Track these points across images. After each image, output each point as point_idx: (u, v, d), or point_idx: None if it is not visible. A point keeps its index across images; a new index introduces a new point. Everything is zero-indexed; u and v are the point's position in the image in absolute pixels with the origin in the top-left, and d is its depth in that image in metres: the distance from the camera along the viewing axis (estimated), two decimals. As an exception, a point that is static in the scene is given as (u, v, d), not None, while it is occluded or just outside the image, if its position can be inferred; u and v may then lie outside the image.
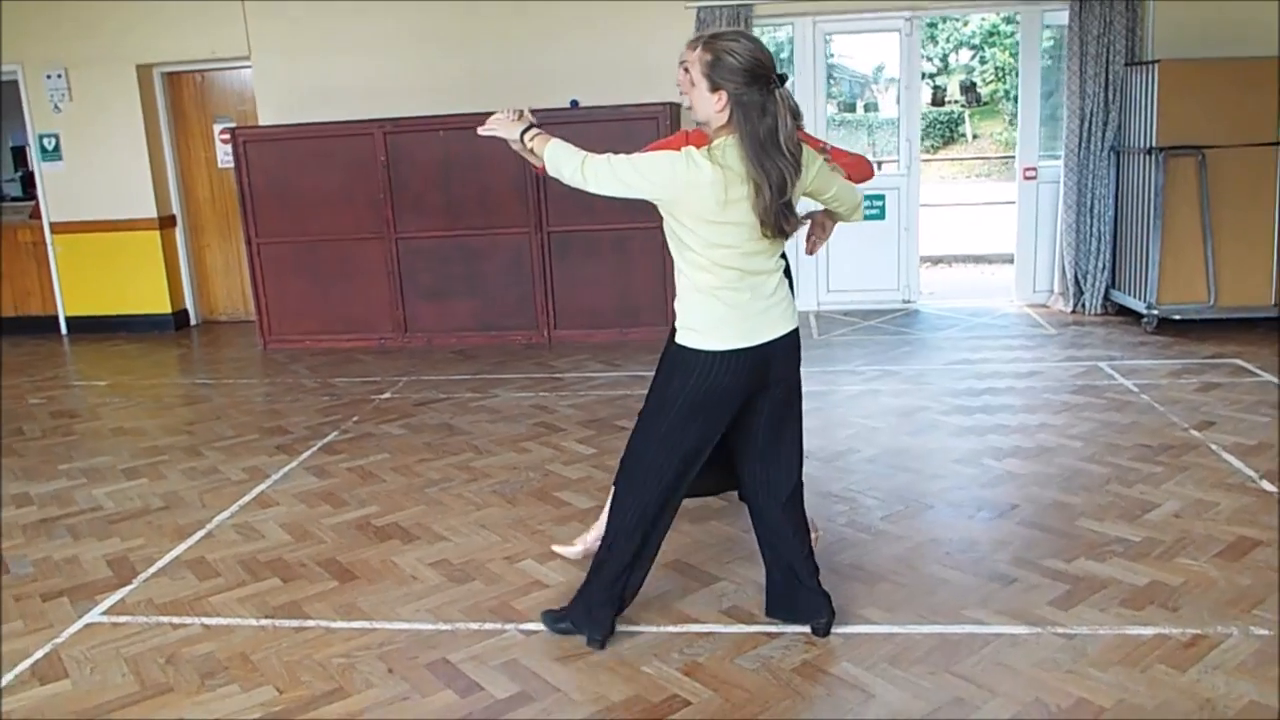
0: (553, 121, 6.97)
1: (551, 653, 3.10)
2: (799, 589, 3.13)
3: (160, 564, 3.93)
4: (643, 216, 6.99)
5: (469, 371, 6.62)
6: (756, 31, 7.38)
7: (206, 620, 3.44)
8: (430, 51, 7.65)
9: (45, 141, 8.40)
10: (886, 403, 5.48)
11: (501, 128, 3.00)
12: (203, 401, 6.35)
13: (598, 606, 3.09)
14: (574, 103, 7.37)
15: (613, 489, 3.32)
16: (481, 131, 3.07)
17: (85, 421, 6.02)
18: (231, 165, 8.29)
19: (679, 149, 2.78)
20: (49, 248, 8.60)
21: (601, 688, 2.90)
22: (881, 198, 7.73)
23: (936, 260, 10.23)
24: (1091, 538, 3.66)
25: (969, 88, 28.20)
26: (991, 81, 26.36)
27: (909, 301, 7.89)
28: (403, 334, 7.42)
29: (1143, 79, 6.67)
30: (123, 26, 8.05)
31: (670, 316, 2.96)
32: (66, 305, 8.72)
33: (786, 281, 2.99)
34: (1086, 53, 6.96)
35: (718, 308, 2.82)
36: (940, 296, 8.36)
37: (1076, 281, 7.28)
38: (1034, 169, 7.54)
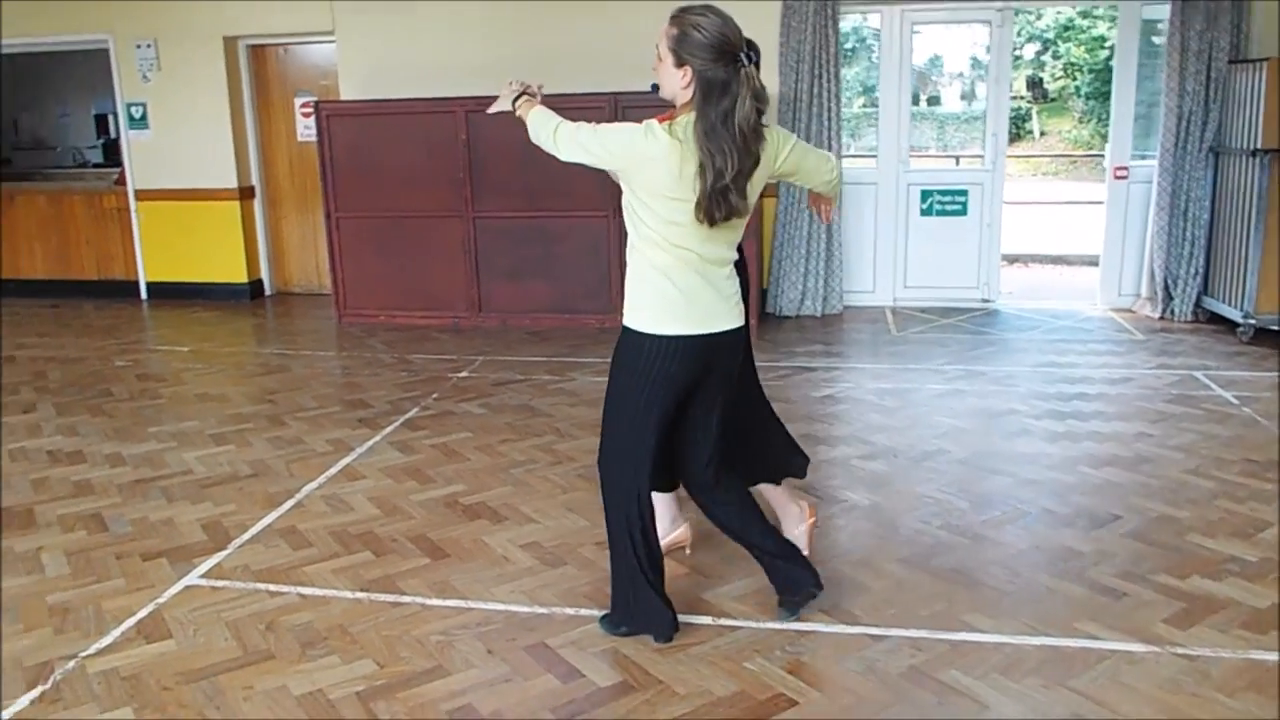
0: (634, 105, 6.97)
1: (651, 643, 3.07)
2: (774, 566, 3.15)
3: (253, 531, 3.96)
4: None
5: (545, 354, 6.60)
6: (844, 20, 7.27)
7: (303, 590, 3.46)
8: (512, 30, 7.61)
9: (133, 110, 8.50)
10: (973, 404, 5.38)
11: (500, 103, 3.10)
12: (282, 371, 6.40)
13: (639, 602, 3.02)
14: (654, 87, 7.28)
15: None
16: (489, 111, 3.20)
17: (170, 386, 6.10)
18: (311, 139, 8.38)
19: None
20: (133, 214, 8.72)
21: (704, 681, 2.87)
22: (964, 193, 7.60)
23: (1012, 259, 10.04)
24: (1204, 555, 3.56)
25: (1036, 83, 27.69)
26: (1060, 78, 25.84)
27: (988, 301, 7.75)
28: (477, 313, 7.43)
29: (1248, 78, 6.47)
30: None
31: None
32: (147, 271, 8.84)
33: (737, 277, 2.93)
34: (1188, 49, 6.76)
35: (669, 290, 2.77)
36: (1019, 296, 8.21)
37: (1166, 286, 7.10)
38: (1125, 168, 7.36)
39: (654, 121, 2.71)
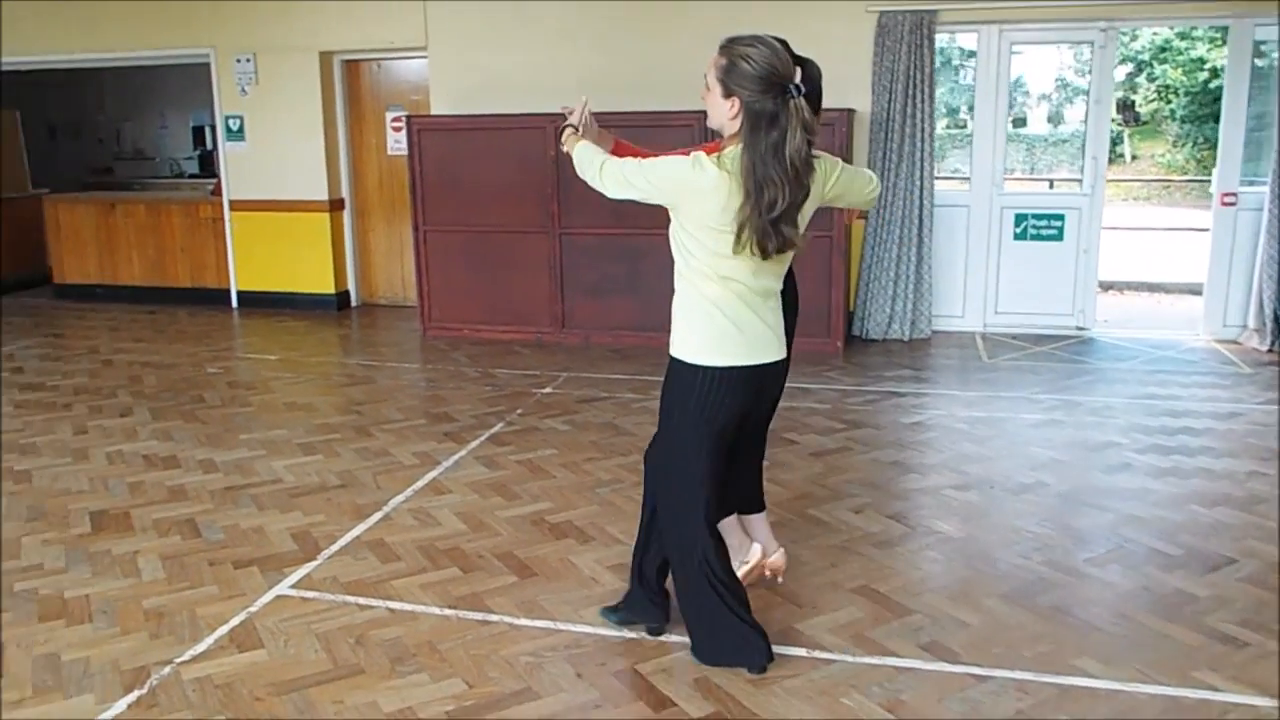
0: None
1: (743, 673, 2.99)
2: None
3: (342, 542, 3.98)
4: (813, 225, 6.86)
5: (628, 371, 6.57)
6: (938, 38, 7.15)
7: (391, 604, 3.45)
8: (603, 48, 7.63)
9: (230, 122, 8.71)
10: (1071, 435, 5.20)
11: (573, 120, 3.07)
12: (368, 383, 6.46)
13: (728, 632, 2.97)
14: (747, 105, 7.24)
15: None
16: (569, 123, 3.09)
17: (259, 394, 6.19)
18: (400, 153, 8.50)
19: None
20: (227, 224, 8.92)
21: (799, 716, 2.79)
22: (1061, 217, 7.40)
23: (1106, 286, 9.75)
24: (1329, 603, 3.37)
25: (1128, 106, 27.01)
26: (1153, 100, 25.17)
27: (1083, 329, 7.52)
28: (560, 329, 7.43)
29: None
30: (310, 14, 8.30)
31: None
32: (238, 280, 9.03)
33: (781, 309, 2.92)
34: (1302, 74, 6.51)
35: (720, 321, 2.76)
36: (1115, 325, 7.96)
37: (1276, 318, 6.81)
38: (1234, 194, 7.09)
39: (701, 153, 2.68)
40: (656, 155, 2.98)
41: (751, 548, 3.42)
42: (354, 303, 9.05)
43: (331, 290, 8.79)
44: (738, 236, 2.64)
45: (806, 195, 2.70)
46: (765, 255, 2.67)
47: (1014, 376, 6.39)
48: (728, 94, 2.66)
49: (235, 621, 3.35)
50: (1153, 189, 22.62)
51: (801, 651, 3.11)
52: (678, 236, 2.81)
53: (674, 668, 3.03)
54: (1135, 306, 9.23)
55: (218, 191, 9.05)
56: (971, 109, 7.85)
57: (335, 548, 3.93)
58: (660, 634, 3.19)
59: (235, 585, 3.62)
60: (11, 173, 10.24)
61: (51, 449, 5.19)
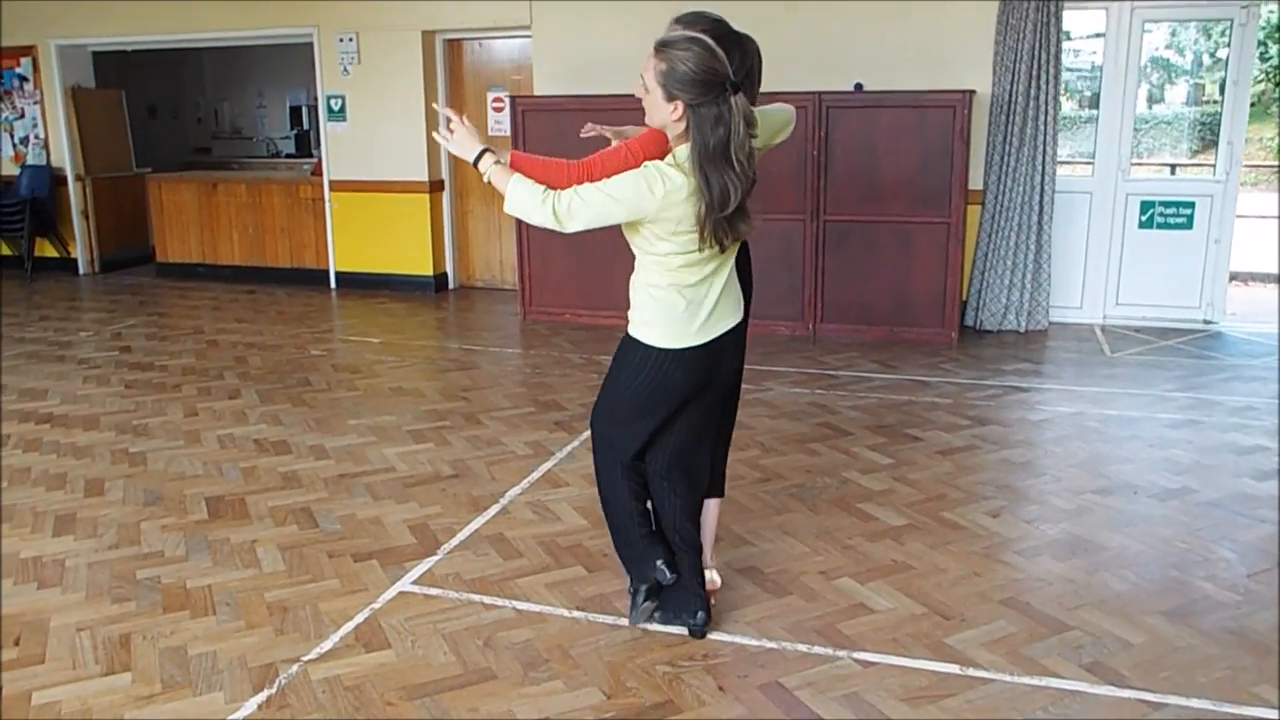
0: (838, 104, 6.69)
1: (895, 690, 2.82)
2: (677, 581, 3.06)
3: (461, 536, 3.89)
4: (928, 211, 6.62)
5: (736, 360, 6.39)
6: (1068, 16, 6.80)
7: (518, 604, 3.35)
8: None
9: (332, 102, 8.70)
10: (1214, 438, 4.90)
11: (459, 144, 2.89)
12: (473, 368, 6.39)
13: (643, 568, 3.09)
14: (858, 86, 7.00)
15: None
16: (438, 137, 2.94)
17: (365, 378, 6.16)
18: (501, 133, 8.40)
19: (637, 163, 2.75)
20: (327, 204, 8.93)
21: (962, 741, 2.61)
22: (1191, 205, 7.02)
23: (1231, 276, 9.28)
24: None
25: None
26: (1261, 81, 24.01)
27: (1210, 322, 7.14)
28: (662, 314, 7.27)
29: None
30: (414, -7, 8.25)
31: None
32: (337, 260, 9.05)
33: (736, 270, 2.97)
34: None
35: (678, 304, 2.81)
36: (1244, 318, 7.54)
37: None
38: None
39: (657, 162, 2.70)
40: (575, 164, 2.85)
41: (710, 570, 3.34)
42: (451, 285, 9.01)
43: (430, 272, 8.76)
44: (700, 234, 2.69)
45: (753, 184, 2.72)
46: (723, 249, 2.75)
47: (1142, 372, 6.07)
48: (670, 98, 2.66)
49: (360, 619, 3.27)
50: (1260, 174, 21.67)
51: (955, 668, 2.93)
52: (638, 234, 2.81)
53: (820, 681, 2.87)
54: (1264, 298, 8.75)
55: (318, 171, 9.07)
56: (1079, 91, 7.49)
57: (455, 542, 3.84)
58: (703, 635, 3.11)
59: (356, 579, 3.55)
60: (117, 152, 10.40)
61: (164, 431, 5.21)
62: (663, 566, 3.04)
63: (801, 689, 2.84)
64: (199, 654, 3.08)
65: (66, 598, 3.45)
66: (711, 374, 2.94)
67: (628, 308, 2.95)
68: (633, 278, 2.93)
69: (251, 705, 2.81)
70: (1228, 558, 3.62)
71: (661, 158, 2.77)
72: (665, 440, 3.04)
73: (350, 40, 8.46)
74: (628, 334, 2.95)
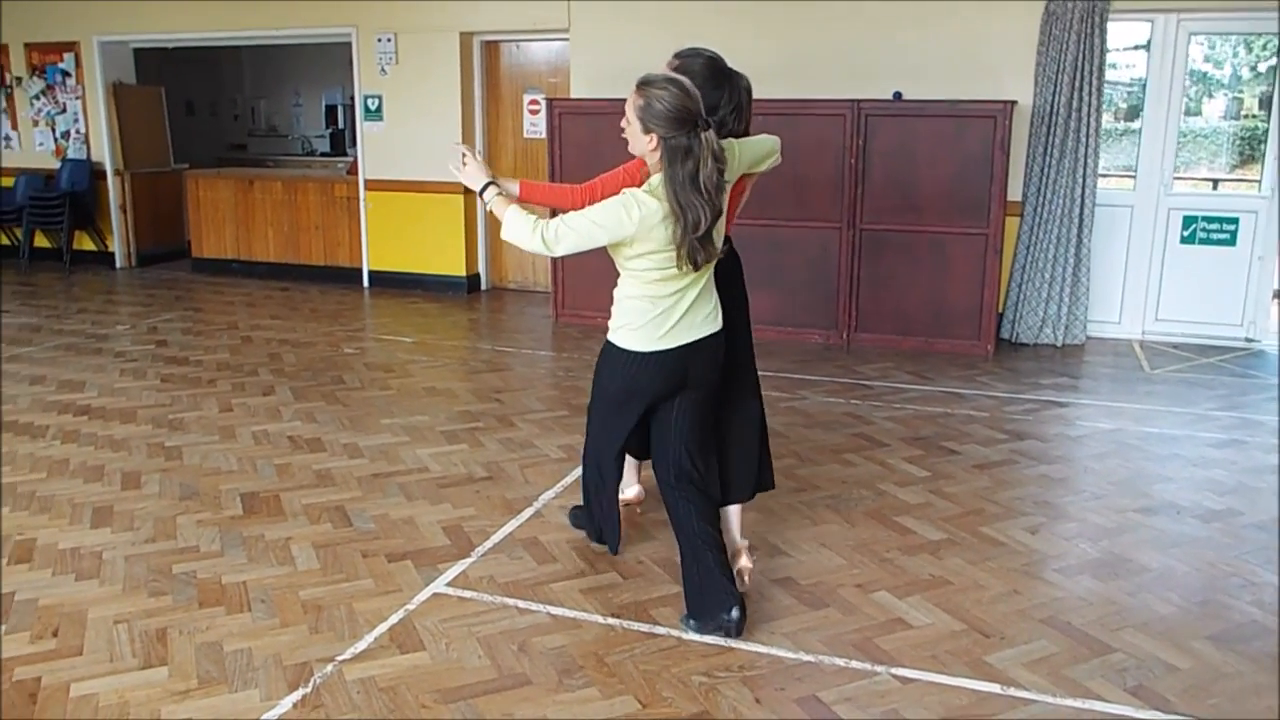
0: (876, 113, 6.65)
1: (935, 708, 2.79)
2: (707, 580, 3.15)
3: (495, 539, 3.88)
4: (966, 221, 6.56)
5: (771, 369, 6.34)
6: (1111, 28, 6.72)
7: (552, 609, 3.33)
8: (748, 34, 7.40)
9: (369, 102, 8.74)
10: (1258, 459, 4.82)
11: (468, 175, 3.22)
12: (505, 370, 6.39)
13: (606, 528, 3.54)
14: (897, 95, 6.96)
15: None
16: (452, 169, 3.27)
17: (398, 377, 6.17)
18: (536, 135, 8.42)
19: (634, 182, 3.08)
20: (361, 203, 8.97)
21: (1004, 762, 2.57)
22: (1235, 220, 6.92)
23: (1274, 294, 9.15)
24: None
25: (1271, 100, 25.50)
26: (1305, 97, 23.67)
27: (1253, 340, 7.04)
28: (695, 320, 7.25)
29: None
30: (454, -6, 8.27)
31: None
32: (371, 259, 9.08)
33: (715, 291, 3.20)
34: None
35: (652, 313, 3.07)
36: (1286, 337, 7.42)
37: None
38: None
39: (634, 190, 2.96)
40: (578, 188, 3.33)
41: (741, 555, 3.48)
42: (483, 286, 9.03)
43: (462, 273, 8.78)
44: (677, 254, 2.93)
45: (720, 213, 2.98)
46: (696, 268, 2.99)
47: (1182, 390, 5.99)
48: (646, 130, 2.92)
49: (394, 620, 3.27)
50: (1300, 189, 21.35)
51: (996, 688, 2.89)
52: (619, 253, 3.05)
53: (858, 697, 2.84)
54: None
55: (353, 170, 9.11)
56: (1115, 104, 7.40)
57: (488, 545, 3.83)
58: (740, 630, 3.13)
59: (391, 580, 3.55)
60: (155, 148, 10.50)
61: (199, 426, 5.23)
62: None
63: (839, 704, 2.81)
64: (234, 650, 3.08)
65: (104, 590, 3.47)
66: (683, 379, 3.16)
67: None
68: (615, 289, 3.18)
69: (286, 704, 2.81)
70: (1274, 582, 3.56)
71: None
72: (665, 452, 3.26)
73: (389, 40, 8.49)
74: (606, 339, 3.22)
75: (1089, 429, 5.25)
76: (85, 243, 10.28)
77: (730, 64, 3.50)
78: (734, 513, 3.54)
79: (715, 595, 3.11)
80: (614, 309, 3.18)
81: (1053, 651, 3.08)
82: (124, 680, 2.93)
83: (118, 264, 10.28)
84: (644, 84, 2.94)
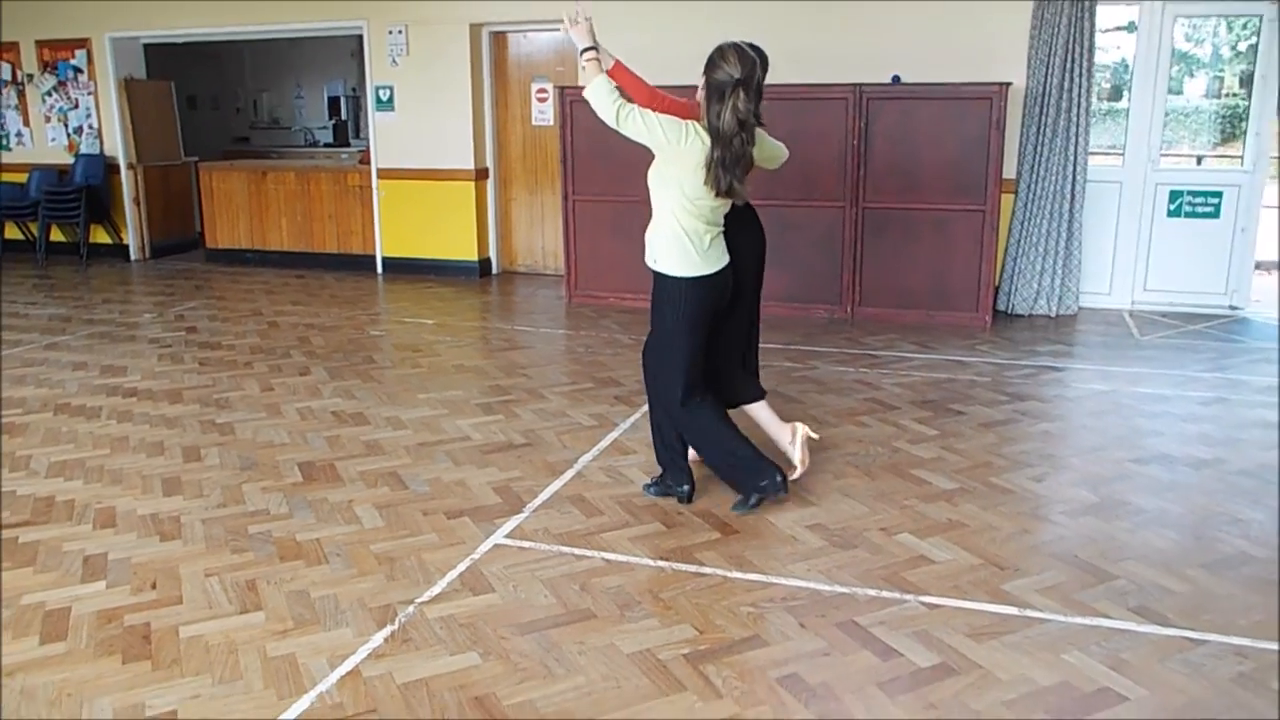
0: (877, 96, 6.96)
1: (961, 628, 3.11)
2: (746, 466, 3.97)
3: (543, 497, 4.19)
4: (964, 199, 6.89)
5: (780, 341, 6.68)
6: (1100, 10, 7.05)
7: (606, 555, 3.65)
8: (751, 21, 7.67)
9: (380, 93, 9.01)
10: (1243, 414, 5.18)
11: (578, 34, 3.80)
12: (528, 348, 6.70)
13: (676, 468, 4.13)
14: (895, 78, 7.27)
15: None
16: (562, 28, 3.88)
17: (426, 356, 6.46)
18: (544, 123, 8.70)
19: (684, 114, 3.70)
20: (374, 192, 9.24)
21: (1024, 669, 2.90)
22: (1219, 194, 7.27)
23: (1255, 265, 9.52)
24: None
25: (1252, 79, 25.87)
26: (1279, 74, 24.01)
27: (1236, 308, 7.40)
28: (705, 298, 7.56)
29: None
30: (464, -14, 8.53)
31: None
32: (384, 246, 9.36)
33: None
34: None
35: (689, 245, 3.75)
36: (1269, 305, 7.79)
37: None
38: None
39: (693, 122, 3.64)
40: (649, 90, 3.85)
41: (794, 428, 4.23)
42: (494, 270, 9.31)
43: (474, 257, 9.07)
44: (706, 173, 3.61)
45: (743, 159, 3.67)
46: (718, 192, 3.65)
47: (1172, 355, 6.34)
48: (704, 74, 3.64)
49: (462, 567, 3.57)
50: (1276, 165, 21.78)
51: (1013, 610, 3.22)
52: (661, 175, 3.73)
53: (891, 621, 3.17)
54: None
55: (366, 160, 9.37)
56: (1099, 84, 7.74)
57: (538, 501, 4.14)
58: (690, 500, 4.05)
59: (452, 534, 3.85)
60: (167, 141, 10.73)
61: (244, 404, 5.51)
62: (780, 480, 3.93)
63: (875, 627, 3.13)
64: (321, 596, 3.38)
65: (189, 549, 3.76)
66: (720, 299, 3.88)
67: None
68: (649, 231, 3.85)
69: (378, 639, 3.12)
70: (1260, 519, 3.91)
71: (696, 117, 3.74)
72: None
73: (400, 32, 8.75)
74: (657, 273, 3.84)
75: (1085, 390, 5.60)
76: (100, 236, 10.52)
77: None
78: (761, 407, 4.30)
79: (756, 471, 3.92)
80: (661, 251, 3.79)
81: (1062, 580, 3.42)
82: (226, 623, 3.22)
83: (132, 256, 10.52)
84: (718, 48, 3.66)
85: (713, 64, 3.62)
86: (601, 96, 3.65)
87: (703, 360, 3.96)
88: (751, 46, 3.76)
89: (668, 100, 3.85)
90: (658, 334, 3.97)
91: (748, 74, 3.59)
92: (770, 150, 4.09)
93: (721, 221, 3.86)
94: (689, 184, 3.67)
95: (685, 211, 3.73)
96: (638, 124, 3.62)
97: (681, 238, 3.75)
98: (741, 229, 4.02)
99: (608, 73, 3.78)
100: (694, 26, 7.84)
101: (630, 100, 3.71)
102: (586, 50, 3.77)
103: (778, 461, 4.05)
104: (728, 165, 3.62)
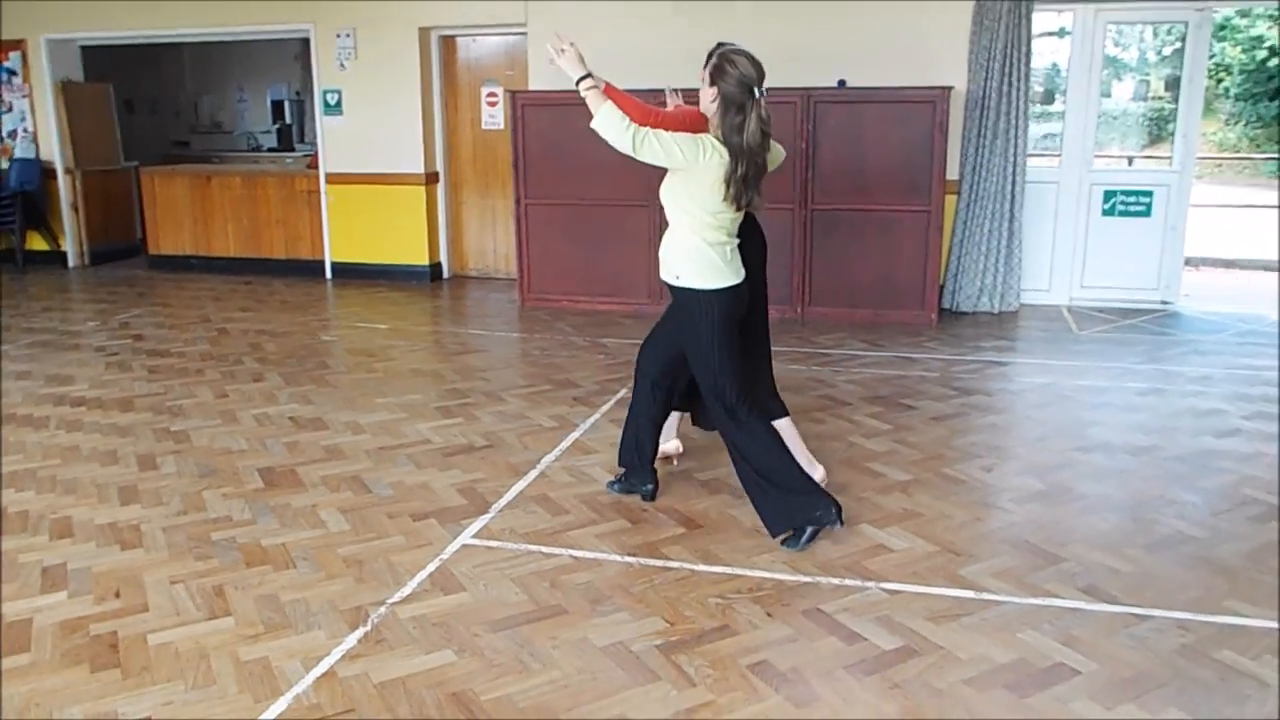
0: (824, 100, 7.11)
1: (921, 612, 3.23)
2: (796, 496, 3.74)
3: (508, 497, 4.24)
4: (910, 200, 7.06)
5: (732, 340, 6.78)
6: (1037, 16, 7.27)
7: (574, 552, 3.71)
8: (704, 24, 7.78)
9: (329, 97, 8.96)
10: (1176, 403, 5.39)
11: (567, 62, 3.67)
12: (484, 351, 6.72)
13: (642, 469, 4.16)
14: (841, 82, 7.42)
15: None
16: (550, 53, 3.73)
17: (381, 361, 6.47)
18: (494, 127, 8.73)
19: (688, 127, 3.66)
20: (323, 197, 9.19)
21: (982, 649, 3.02)
22: (1150, 194, 7.54)
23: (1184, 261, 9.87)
24: None
25: (1178, 83, 26.68)
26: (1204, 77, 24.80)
27: (1167, 302, 7.68)
28: (659, 300, 7.64)
29: None
30: (413, -11, 8.53)
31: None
32: (333, 251, 9.31)
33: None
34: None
35: (714, 257, 3.67)
36: (1196, 299, 8.10)
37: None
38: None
39: (708, 136, 3.56)
40: (643, 107, 3.77)
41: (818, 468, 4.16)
42: (445, 274, 9.32)
43: (425, 262, 9.06)
44: (726, 190, 3.53)
45: (763, 171, 3.63)
46: (739, 207, 3.61)
47: (1108, 348, 6.57)
48: (712, 84, 3.53)
49: (431, 568, 3.61)
50: (1204, 166, 22.50)
51: (970, 594, 3.35)
52: (677, 193, 3.66)
53: (854, 607, 3.27)
54: (1212, 281, 9.35)
55: (314, 164, 9.32)
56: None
57: (503, 502, 4.19)
58: (653, 498, 4.12)
59: (419, 536, 3.88)
60: (105, 146, 10.56)
61: (199, 411, 5.47)
62: (835, 511, 3.68)
63: (839, 613, 3.24)
64: (291, 600, 3.40)
65: (151, 556, 3.74)
66: (743, 312, 3.80)
67: (648, 296, 3.69)
68: (666, 246, 3.77)
69: (352, 640, 3.14)
70: (1195, 501, 4.09)
71: (696, 128, 3.69)
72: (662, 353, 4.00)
73: (348, 36, 8.73)
74: (683, 289, 3.73)
75: (1028, 384, 5.79)
76: (37, 243, 10.31)
77: (678, 55, 4.04)
78: (786, 424, 4.19)
79: (808, 501, 3.69)
80: (683, 266, 3.70)
81: (1014, 564, 3.56)
82: (195, 629, 3.22)
83: (71, 263, 10.33)
84: (720, 48, 3.56)
85: (722, 73, 3.49)
86: (614, 125, 3.50)
87: (746, 365, 3.88)
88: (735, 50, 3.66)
89: (665, 115, 3.80)
90: (694, 353, 3.80)
91: (760, 80, 3.52)
92: (776, 154, 3.95)
93: (737, 231, 3.78)
94: (709, 200, 3.58)
95: (706, 225, 3.64)
96: (654, 148, 3.50)
97: (705, 250, 3.65)
98: (748, 238, 3.89)
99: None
100: (643, 34, 7.93)
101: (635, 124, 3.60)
102: (582, 79, 3.61)
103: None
104: (749, 181, 3.55)
